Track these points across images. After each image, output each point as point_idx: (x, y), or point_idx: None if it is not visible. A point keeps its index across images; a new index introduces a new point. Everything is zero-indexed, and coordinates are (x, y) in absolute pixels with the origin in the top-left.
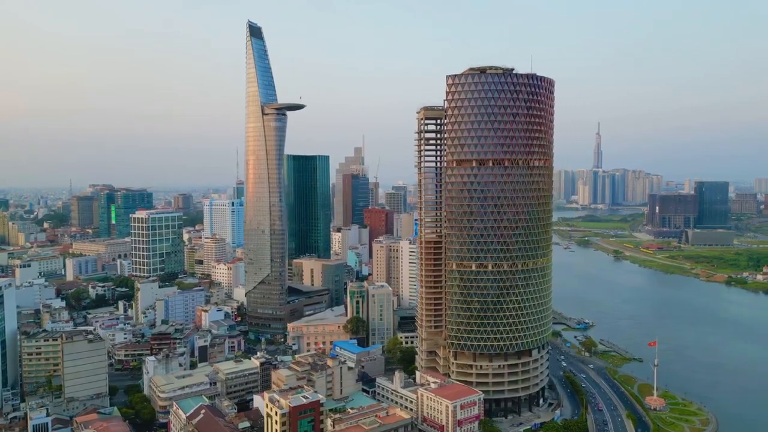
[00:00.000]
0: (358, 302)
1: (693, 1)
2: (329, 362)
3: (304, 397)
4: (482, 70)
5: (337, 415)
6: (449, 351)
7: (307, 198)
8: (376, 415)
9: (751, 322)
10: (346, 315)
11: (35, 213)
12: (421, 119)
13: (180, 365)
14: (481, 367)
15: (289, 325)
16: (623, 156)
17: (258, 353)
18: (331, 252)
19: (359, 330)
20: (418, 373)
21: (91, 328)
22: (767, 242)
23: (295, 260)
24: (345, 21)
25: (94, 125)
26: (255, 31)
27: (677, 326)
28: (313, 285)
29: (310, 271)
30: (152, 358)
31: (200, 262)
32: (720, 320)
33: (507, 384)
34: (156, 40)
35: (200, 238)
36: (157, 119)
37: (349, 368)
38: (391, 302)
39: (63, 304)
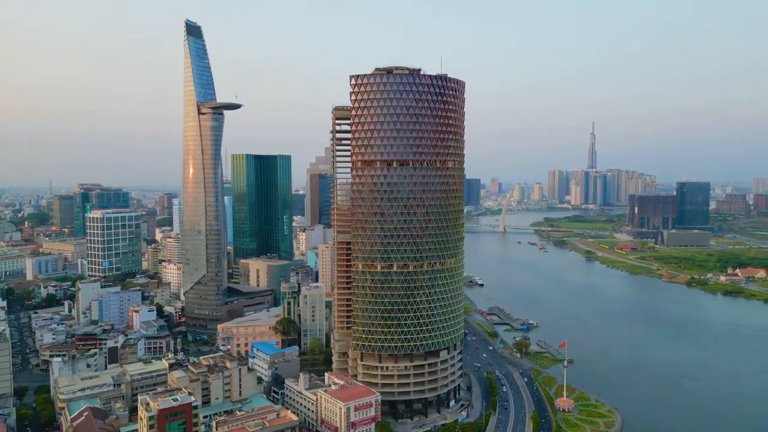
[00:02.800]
0: (289, 303)
1: (693, 2)
2: (228, 364)
3: (174, 399)
4: (388, 71)
5: (222, 417)
6: (357, 352)
7: (268, 198)
8: (260, 418)
9: (691, 323)
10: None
11: (23, 212)
12: (334, 119)
13: (88, 366)
14: (386, 368)
15: (219, 326)
16: (622, 156)
17: (170, 354)
18: (297, 252)
19: (290, 331)
20: (326, 375)
21: (1, 329)
22: (744, 243)
23: (242, 260)
24: (344, 23)
25: (96, 125)
26: (193, 30)
27: (617, 326)
28: (258, 285)
29: (256, 271)
30: (58, 359)
31: (163, 261)
32: (662, 321)
33: (413, 385)
34: (156, 40)
35: (169, 237)
36: (158, 119)
37: (249, 370)
38: (324, 303)
39: (3, 303)
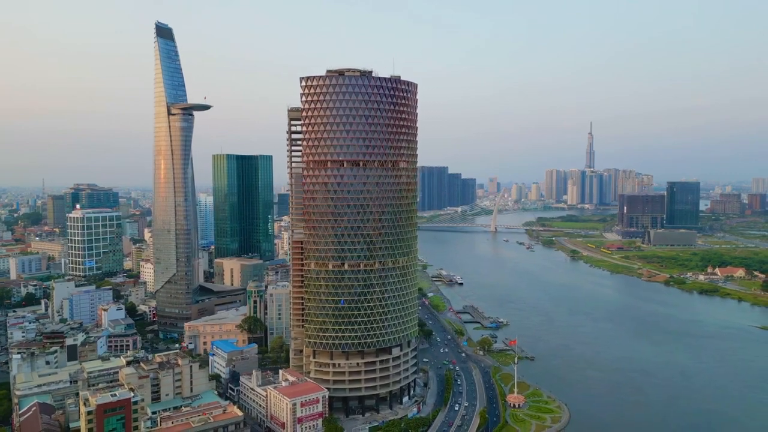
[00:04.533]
0: (255, 302)
1: (694, 3)
2: (179, 361)
3: (112, 395)
4: (340, 72)
5: (167, 413)
6: (310, 349)
7: (249, 198)
8: (204, 413)
9: (657, 320)
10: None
11: (18, 212)
12: (289, 119)
13: (48, 363)
14: (338, 365)
15: (186, 324)
16: (622, 156)
17: (128, 352)
18: (282, 252)
19: (256, 329)
20: (280, 372)
21: None
22: (732, 243)
23: (216, 260)
24: (345, 24)
25: (98, 126)
26: (163, 32)
27: (584, 323)
28: (232, 285)
29: (230, 270)
30: (17, 356)
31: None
32: (629, 318)
33: (364, 382)
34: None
35: None
36: None
37: (201, 367)
38: (290, 301)
39: None
